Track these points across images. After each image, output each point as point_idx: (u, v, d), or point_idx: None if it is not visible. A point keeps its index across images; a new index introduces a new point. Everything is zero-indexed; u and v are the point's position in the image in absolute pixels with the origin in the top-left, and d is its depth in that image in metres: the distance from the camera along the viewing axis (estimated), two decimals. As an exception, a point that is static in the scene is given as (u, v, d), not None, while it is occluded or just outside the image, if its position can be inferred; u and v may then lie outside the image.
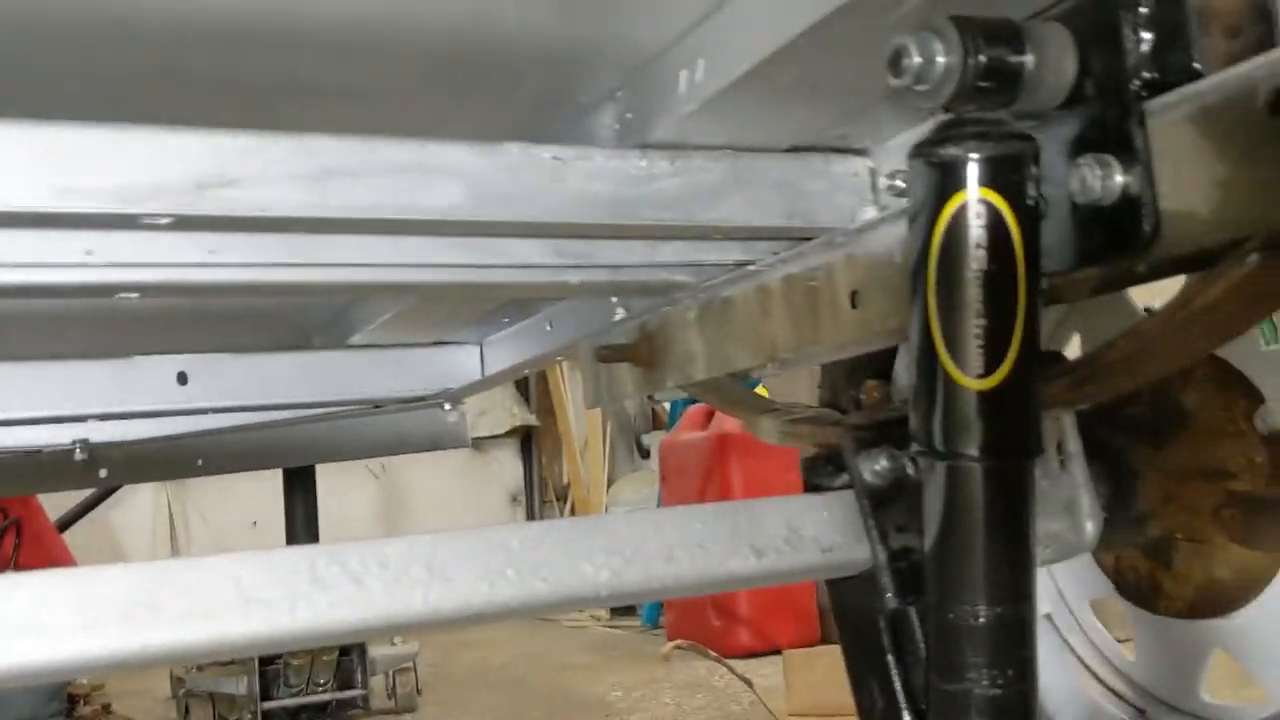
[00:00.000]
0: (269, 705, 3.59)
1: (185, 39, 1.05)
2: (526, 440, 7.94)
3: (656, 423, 7.10)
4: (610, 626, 6.10)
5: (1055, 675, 1.40)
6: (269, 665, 3.62)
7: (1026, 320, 0.91)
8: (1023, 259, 0.91)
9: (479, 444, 7.77)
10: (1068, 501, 1.14)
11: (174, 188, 1.02)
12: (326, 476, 6.40)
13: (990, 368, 0.91)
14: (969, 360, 0.91)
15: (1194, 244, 0.88)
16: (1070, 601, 1.42)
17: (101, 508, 5.70)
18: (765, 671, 3.63)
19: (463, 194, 1.14)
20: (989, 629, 0.93)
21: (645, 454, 7.17)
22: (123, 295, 1.28)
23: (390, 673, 3.80)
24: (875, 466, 1.06)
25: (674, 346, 1.66)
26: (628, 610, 6.41)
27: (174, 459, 2.96)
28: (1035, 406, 0.93)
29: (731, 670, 3.18)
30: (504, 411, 7.65)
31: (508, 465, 7.89)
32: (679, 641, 3.76)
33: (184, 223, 1.05)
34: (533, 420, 7.82)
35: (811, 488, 1.13)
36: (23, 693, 3.89)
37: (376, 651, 3.80)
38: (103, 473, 2.80)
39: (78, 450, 2.72)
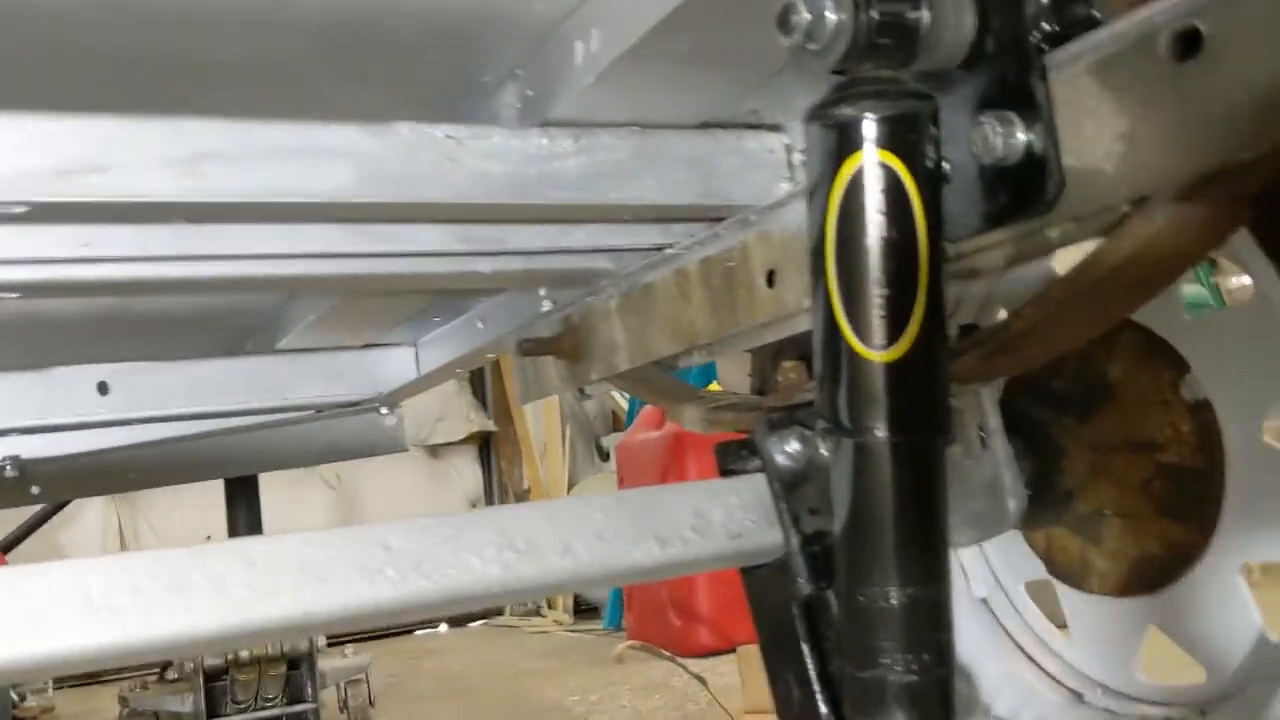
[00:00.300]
0: (217, 723, 3.51)
1: (39, 14, 0.99)
2: (485, 446, 7.86)
3: (616, 424, 7.04)
4: (572, 631, 6.04)
5: (991, 660, 1.36)
6: (215, 681, 3.53)
7: (930, 288, 0.87)
8: (924, 224, 0.86)
9: (437, 451, 7.68)
10: (989, 480, 1.10)
11: (34, 174, 0.96)
12: (280, 487, 6.31)
13: (893, 338, 0.87)
14: (871, 332, 0.87)
15: (1100, 202, 0.84)
16: (1005, 585, 1.38)
17: (50, 526, 5.57)
18: (724, 670, 3.59)
19: (351, 176, 1.08)
20: (902, 612, 0.89)
21: (605, 456, 7.11)
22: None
23: (342, 685, 3.72)
24: (786, 448, 1.01)
25: (597, 337, 1.61)
26: (590, 613, 6.36)
27: (106, 473, 2.88)
28: (943, 379, 0.89)
29: (685, 669, 3.13)
30: (461, 418, 7.57)
31: (466, 471, 7.80)
32: (631, 642, 3.71)
33: (47, 212, 0.99)
34: (490, 426, 7.74)
35: (725, 474, 1.08)
36: (-37, 719, 3.79)
37: (327, 664, 3.72)
38: (34, 489, 2.71)
39: (8, 467, 2.63)
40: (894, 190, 0.86)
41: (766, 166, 1.30)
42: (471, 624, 6.94)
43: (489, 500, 7.67)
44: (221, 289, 1.31)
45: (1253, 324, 1.05)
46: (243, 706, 3.56)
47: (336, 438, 2.83)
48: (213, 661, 3.49)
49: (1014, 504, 1.10)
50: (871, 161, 0.86)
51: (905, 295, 0.86)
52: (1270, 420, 1.05)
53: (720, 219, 1.30)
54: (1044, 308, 0.90)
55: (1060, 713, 1.27)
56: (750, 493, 1.01)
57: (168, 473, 2.96)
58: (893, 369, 0.87)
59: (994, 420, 1.09)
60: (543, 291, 1.79)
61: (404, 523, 0.87)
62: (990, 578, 1.39)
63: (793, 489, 1.01)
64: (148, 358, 2.44)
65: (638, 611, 5.04)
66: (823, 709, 0.96)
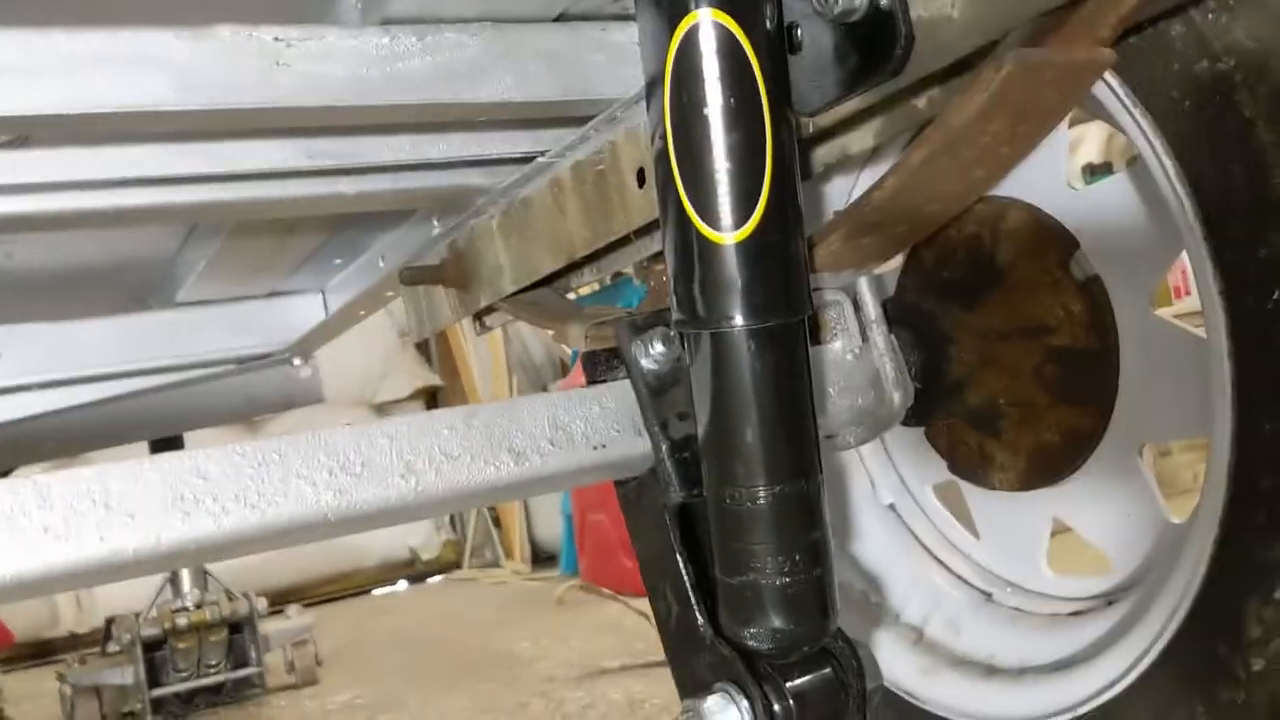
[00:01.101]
0: (159, 692, 3.43)
1: None
2: (432, 401, 7.75)
3: (564, 371, 6.97)
4: (530, 579, 6.01)
5: (900, 567, 1.31)
6: (155, 651, 3.46)
7: (777, 159, 0.80)
8: (766, 89, 0.79)
9: (383, 409, 7.57)
10: (872, 374, 1.04)
11: None
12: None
13: (742, 218, 0.80)
14: (718, 212, 0.80)
15: (951, 52, 0.78)
16: (913, 489, 1.34)
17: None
18: (674, 606, 3.55)
19: (169, 85, 0.99)
20: (770, 511, 0.83)
21: (554, 403, 7.02)
22: None
23: (286, 647, 3.65)
24: (651, 351, 0.94)
25: (483, 260, 1.53)
26: (549, 561, 6.33)
27: (21, 445, 2.77)
28: (798, 259, 0.83)
29: (628, 605, 3.09)
30: (406, 374, 7.47)
31: (415, 428, 7.69)
32: (572, 583, 3.67)
33: None
34: (437, 380, 7.64)
35: (594, 384, 1.01)
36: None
37: (269, 627, 3.65)
38: (-57, 473, 2.61)
39: (-87, 446, 2.51)
40: (731, 52, 0.79)
41: (635, 60, 1.21)
42: (431, 579, 6.90)
43: (440, 455, 7.58)
44: (49, 225, 1.22)
45: (1136, 189, 0.99)
46: (185, 674, 3.49)
47: (253, 392, 2.73)
48: (150, 631, 3.41)
49: (899, 397, 1.04)
50: (705, 22, 0.79)
51: (751, 170, 0.80)
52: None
53: (589, 118, 1.22)
54: (902, 175, 0.84)
55: (970, 613, 1.23)
56: (614, 401, 0.95)
57: (85, 439, 2.86)
58: (744, 251, 0.81)
59: (873, 311, 1.03)
60: (434, 220, 1.72)
61: (220, 449, 0.80)
62: (897, 483, 1.35)
63: (659, 394, 0.95)
64: (39, 319, 2.34)
65: (589, 556, 5.00)
66: (700, 620, 0.90)
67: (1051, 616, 1.16)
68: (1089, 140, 4.72)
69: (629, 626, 3.67)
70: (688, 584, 0.91)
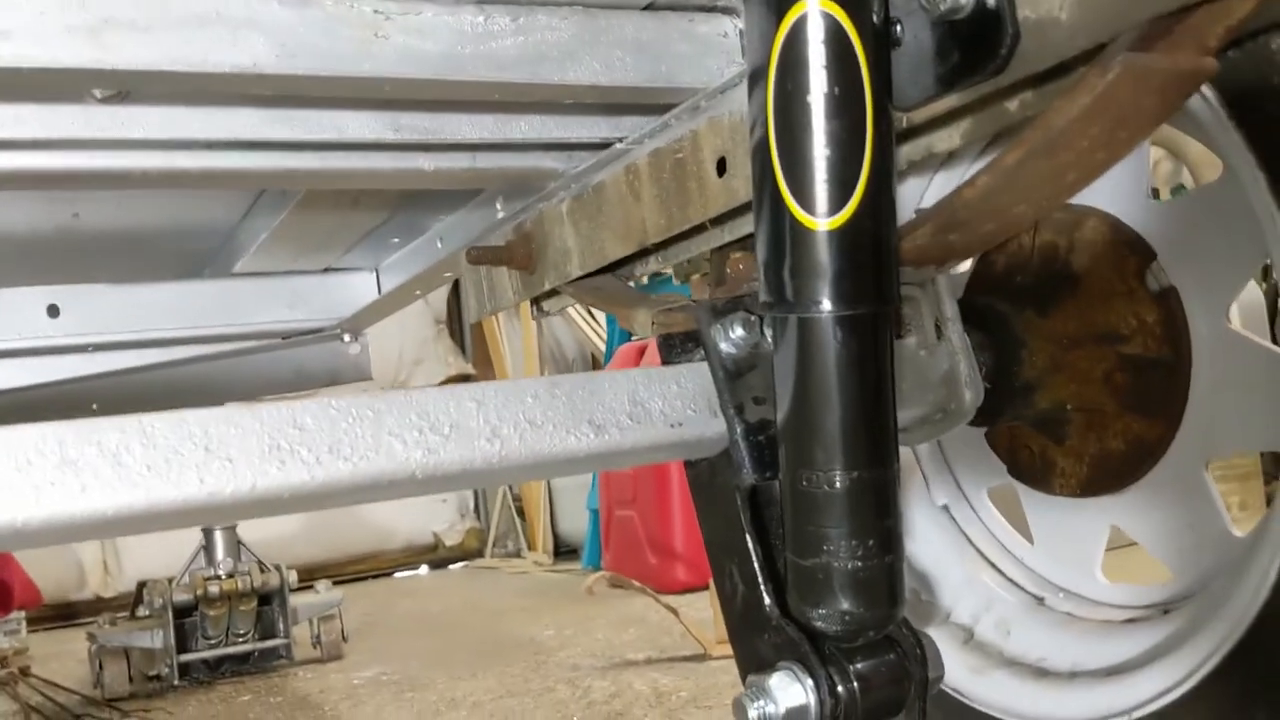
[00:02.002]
0: (187, 658, 3.47)
1: None
2: (464, 388, 7.80)
3: (595, 366, 7.00)
4: (552, 570, 6.04)
5: (952, 567, 1.32)
6: (185, 617, 3.50)
7: (876, 149, 0.81)
8: (869, 80, 0.81)
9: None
10: (945, 371, 1.05)
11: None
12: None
13: (837, 205, 0.81)
14: (814, 198, 0.81)
15: (1056, 54, 0.79)
16: (968, 492, 1.34)
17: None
18: (699, 604, 3.57)
19: (268, 49, 1.01)
20: (846, 496, 0.84)
21: (584, 397, 7.05)
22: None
23: (314, 620, 3.69)
24: (731, 334, 0.96)
25: (550, 243, 1.55)
26: (570, 554, 6.36)
27: (69, 403, 2.81)
28: (890, 250, 0.84)
29: (657, 599, 3.11)
30: (439, 361, 7.52)
31: (446, 415, 7.74)
32: (602, 574, 3.68)
33: (-60, 81, 0.92)
34: (469, 369, 7.69)
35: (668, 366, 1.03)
36: (-69, 657, 3.76)
37: (298, 600, 3.69)
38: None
39: (-36, 398, 2.56)
40: (838, 43, 0.80)
41: (719, 52, 1.24)
42: (452, 566, 6.94)
43: (468, 443, 7.62)
44: (144, 183, 1.24)
45: (1220, 202, 1.00)
46: (213, 642, 3.53)
47: (301, 366, 2.77)
48: (182, 597, 3.46)
49: (970, 396, 1.05)
50: (814, 11, 0.80)
51: (850, 158, 0.81)
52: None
53: (670, 107, 1.24)
54: (996, 174, 0.85)
55: (1020, 616, 1.23)
56: (692, 381, 0.96)
57: (128, 403, 2.89)
58: (837, 238, 0.82)
59: (950, 309, 1.04)
60: (498, 203, 1.74)
61: (318, 401, 0.82)
62: (952, 485, 1.35)
63: (737, 377, 0.96)
64: (100, 280, 2.37)
65: (615, 550, 5.02)
66: (767, 600, 0.91)
67: (1104, 623, 1.16)
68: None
69: (654, 620, 3.69)
70: (756, 564, 0.93)
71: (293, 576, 3.65)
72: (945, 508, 1.35)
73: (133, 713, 3.12)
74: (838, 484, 0.84)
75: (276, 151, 1.26)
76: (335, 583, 5.41)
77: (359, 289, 2.55)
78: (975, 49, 0.82)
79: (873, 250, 0.83)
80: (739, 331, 0.96)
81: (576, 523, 6.35)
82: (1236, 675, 0.92)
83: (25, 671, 4.03)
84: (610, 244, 1.39)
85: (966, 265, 1.24)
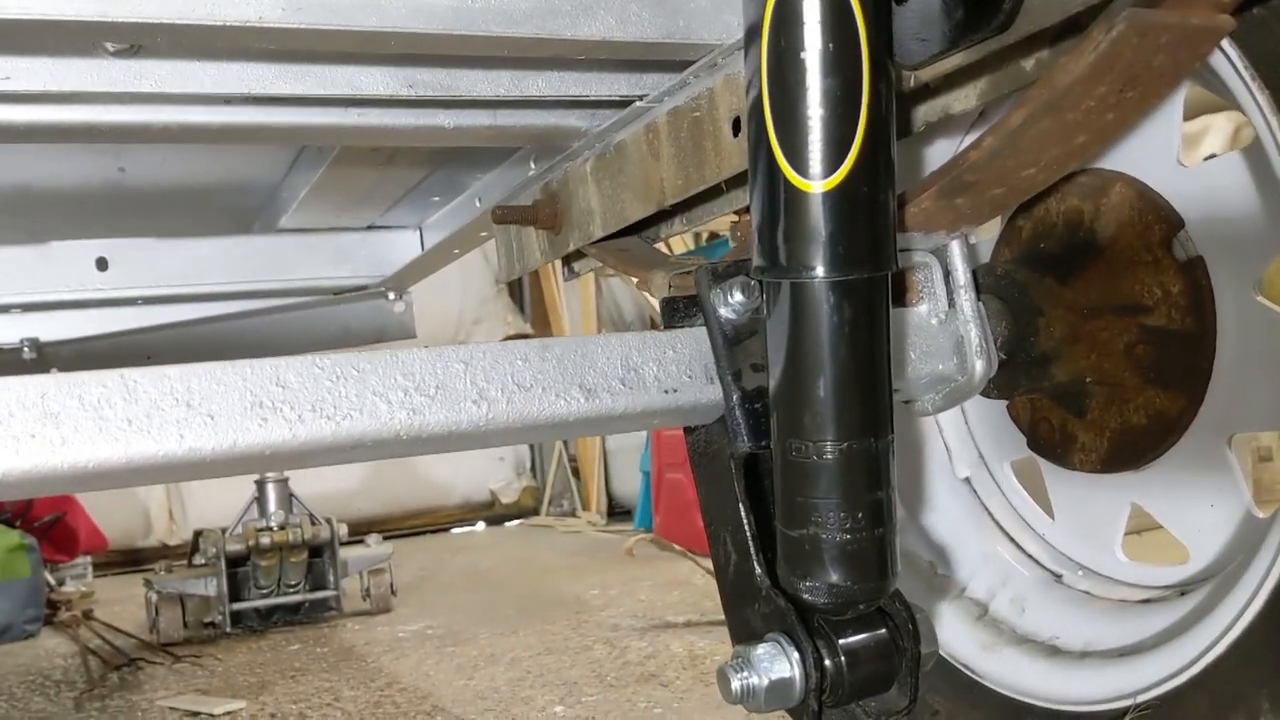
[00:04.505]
0: (239, 606, 3.55)
1: None
2: (523, 348, 7.85)
3: (653, 327, 6.98)
4: (604, 531, 6.07)
5: (970, 541, 1.29)
6: (238, 567, 3.57)
7: (873, 109, 0.79)
8: (866, 36, 0.78)
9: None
10: (956, 341, 1.02)
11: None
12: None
13: (832, 166, 0.79)
14: (808, 158, 0.79)
15: (1062, 8, 0.75)
16: (990, 464, 1.31)
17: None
18: (744, 568, 3.55)
19: (279, 2, 1.01)
20: (837, 467, 0.82)
21: (641, 359, 7.07)
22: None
23: (364, 573, 3.74)
24: (730, 299, 0.94)
25: (575, 203, 1.54)
26: (624, 515, 6.38)
27: (121, 356, 2.87)
28: (887, 213, 0.81)
29: (697, 563, 3.10)
30: (498, 321, 7.55)
31: (504, 373, 7.80)
32: (642, 535, 3.68)
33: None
34: (527, 329, 7.71)
35: (670, 330, 1.01)
36: (-4, 598, 3.88)
37: (348, 553, 3.74)
38: (53, 371, 2.72)
39: (26, 349, 2.62)
40: (834, -2, 0.77)
41: (739, 7, 1.20)
42: (509, 523, 7.00)
43: (526, 402, 7.67)
44: (155, 137, 1.25)
45: (1250, 169, 0.95)
46: (265, 591, 3.60)
47: (347, 323, 2.79)
48: (235, 547, 3.53)
49: (981, 366, 1.02)
50: (810, -36, 0.77)
51: (846, 117, 0.78)
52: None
53: (690, 64, 1.21)
54: (1003, 135, 0.81)
55: (1037, 593, 1.21)
56: (689, 347, 0.94)
57: (180, 356, 2.94)
58: (831, 200, 0.80)
59: (963, 276, 1.01)
60: (532, 161, 1.73)
61: (302, 359, 0.82)
62: (975, 457, 1.32)
63: (735, 343, 0.95)
64: (148, 234, 2.41)
65: (665, 512, 5.02)
66: (757, 570, 0.90)
67: (1120, 603, 1.13)
68: (1215, 131, 4.54)
69: (698, 584, 3.69)
70: (748, 534, 0.91)
71: (343, 530, 3.71)
72: (967, 480, 1.32)
73: (185, 658, 3.20)
74: (828, 454, 0.82)
75: (293, 107, 1.26)
76: (392, 538, 5.50)
77: (402, 246, 2.56)
78: (980, 4, 0.79)
79: (869, 214, 0.80)
80: (738, 296, 0.94)
81: (631, 484, 6.36)
82: (1243, 660, 0.89)
83: (88, 615, 4.15)
84: (630, 204, 1.37)
85: (993, 231, 1.20)
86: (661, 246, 1.64)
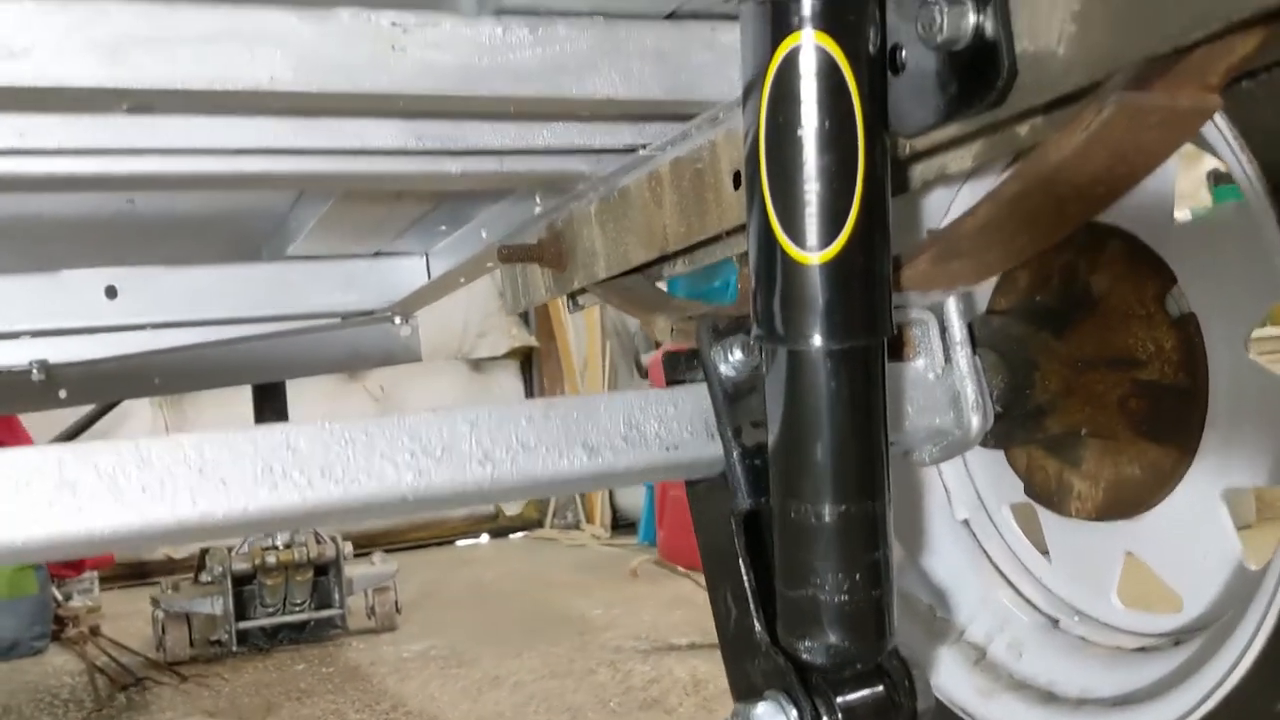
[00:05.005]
0: (245, 625, 3.57)
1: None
2: (527, 361, 7.86)
3: (658, 345, 7.01)
4: (608, 544, 6.08)
5: (969, 584, 1.31)
6: (244, 585, 3.60)
7: (868, 183, 0.81)
8: (862, 113, 0.80)
9: (480, 365, 7.72)
10: (953, 395, 1.04)
11: (-51, 58, 0.93)
12: (323, 398, 6.37)
13: (828, 239, 0.81)
14: (804, 231, 0.81)
15: (1053, 89, 0.77)
16: (989, 507, 1.33)
17: (100, 429, 5.68)
18: (748, 587, 3.57)
19: (286, 64, 1.03)
20: (834, 529, 0.84)
21: (645, 374, 7.09)
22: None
23: (369, 591, 3.76)
24: (730, 357, 0.96)
25: (579, 243, 1.56)
26: (628, 528, 6.40)
27: (130, 378, 2.90)
28: (882, 283, 0.83)
29: (698, 582, 3.11)
30: (503, 333, 7.57)
31: (509, 386, 7.82)
32: (646, 557, 3.70)
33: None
34: (533, 341, 7.74)
35: (672, 384, 1.03)
36: (5, 614, 3.90)
37: (354, 571, 3.77)
38: (62, 393, 2.75)
39: (34, 370, 2.65)
40: (831, 77, 0.79)
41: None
42: (513, 535, 7.02)
43: (531, 415, 7.69)
44: (166, 185, 1.27)
45: (1241, 229, 0.97)
46: (271, 610, 3.62)
47: (354, 347, 2.82)
48: (241, 566, 3.55)
49: (977, 421, 1.04)
50: (808, 44, 0.79)
51: (841, 191, 0.80)
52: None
53: (693, 116, 1.23)
54: (996, 205, 0.83)
55: (1034, 638, 1.22)
56: (689, 403, 0.96)
57: (189, 378, 2.97)
58: (828, 272, 0.81)
59: (959, 332, 1.03)
60: (538, 198, 1.75)
61: (311, 425, 0.84)
62: (974, 499, 1.34)
63: (735, 400, 0.96)
64: (156, 262, 2.43)
65: (667, 528, 5.04)
66: (757, 627, 0.91)
67: (1116, 650, 1.15)
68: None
69: (700, 603, 3.70)
70: (748, 590, 0.93)
71: (348, 548, 3.73)
72: (966, 522, 1.34)
73: (191, 677, 3.22)
74: (826, 517, 0.84)
75: (302, 157, 1.28)
76: (396, 550, 5.52)
77: (409, 273, 2.58)
78: (974, 80, 0.81)
79: (864, 283, 0.82)
80: (738, 355, 0.96)
81: (634, 497, 6.38)
82: (1241, 711, 0.90)
83: (95, 631, 4.18)
84: (633, 248, 1.39)
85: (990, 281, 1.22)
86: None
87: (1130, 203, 1.09)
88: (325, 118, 1.19)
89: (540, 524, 7.05)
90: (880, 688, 0.89)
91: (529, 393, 7.87)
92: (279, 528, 0.86)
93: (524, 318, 7.89)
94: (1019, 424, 1.09)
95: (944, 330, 1.04)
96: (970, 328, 1.12)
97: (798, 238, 0.81)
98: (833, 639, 0.85)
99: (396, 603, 3.81)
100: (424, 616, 3.97)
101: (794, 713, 0.86)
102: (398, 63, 1.07)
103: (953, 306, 1.03)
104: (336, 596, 3.70)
